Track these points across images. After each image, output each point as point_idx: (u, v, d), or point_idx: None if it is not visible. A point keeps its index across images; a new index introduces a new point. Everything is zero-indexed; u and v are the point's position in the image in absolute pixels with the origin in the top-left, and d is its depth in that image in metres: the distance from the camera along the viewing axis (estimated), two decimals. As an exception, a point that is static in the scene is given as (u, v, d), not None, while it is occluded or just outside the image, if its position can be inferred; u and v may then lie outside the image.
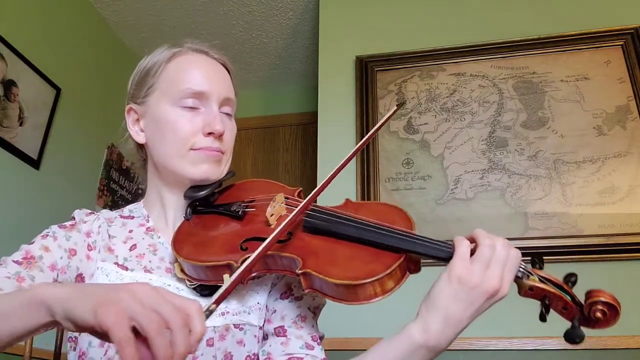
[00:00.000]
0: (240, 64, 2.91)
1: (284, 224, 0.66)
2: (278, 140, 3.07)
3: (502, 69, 1.91)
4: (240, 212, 0.80)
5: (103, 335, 0.44)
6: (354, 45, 2.10)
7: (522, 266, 0.65)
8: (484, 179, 1.77)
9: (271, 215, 0.75)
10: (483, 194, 1.75)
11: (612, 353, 1.48)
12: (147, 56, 0.87)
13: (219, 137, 0.80)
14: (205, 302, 0.73)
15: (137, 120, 0.85)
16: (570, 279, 0.65)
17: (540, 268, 0.67)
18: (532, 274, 0.65)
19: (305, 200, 0.73)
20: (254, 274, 0.72)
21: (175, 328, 0.43)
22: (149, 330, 0.42)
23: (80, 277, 0.76)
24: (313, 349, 0.75)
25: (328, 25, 2.21)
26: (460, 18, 2.05)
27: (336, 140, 1.97)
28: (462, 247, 0.63)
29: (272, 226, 0.75)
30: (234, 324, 0.74)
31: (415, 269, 0.67)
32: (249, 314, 0.77)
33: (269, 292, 0.81)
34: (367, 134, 1.90)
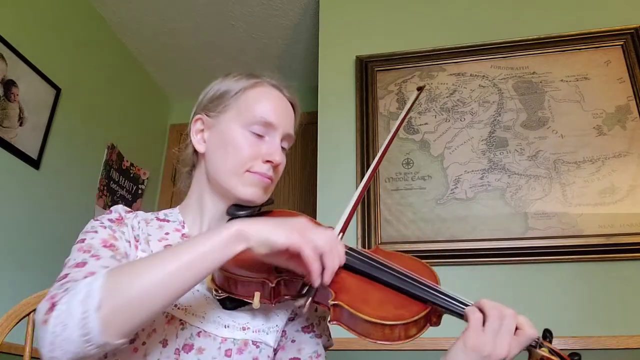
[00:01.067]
0: (240, 64, 2.91)
1: (369, 171, 0.88)
2: (278, 140, 3.07)
3: (502, 69, 1.92)
4: None
5: (291, 257, 0.67)
6: (354, 45, 2.10)
7: (536, 337, 0.69)
8: (484, 179, 1.78)
9: None
10: (483, 194, 1.75)
11: (612, 353, 1.48)
12: (224, 79, 0.94)
13: (275, 167, 0.88)
14: (229, 315, 0.80)
15: (202, 130, 0.91)
16: (574, 358, 0.69)
17: (550, 342, 0.71)
18: (543, 345, 0.69)
19: (372, 168, 0.91)
20: (286, 297, 0.76)
21: (332, 250, 0.69)
22: (325, 252, 0.67)
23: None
24: None
25: (328, 25, 2.21)
26: (460, 18, 2.05)
27: (336, 140, 1.97)
28: (475, 319, 0.68)
29: None
30: (252, 341, 0.78)
31: (437, 322, 0.72)
32: (267, 334, 0.81)
33: (292, 320, 0.85)
34: (367, 133, 1.90)
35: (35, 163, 2.03)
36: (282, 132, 0.89)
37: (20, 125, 1.95)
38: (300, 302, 0.71)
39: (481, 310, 0.69)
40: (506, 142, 1.81)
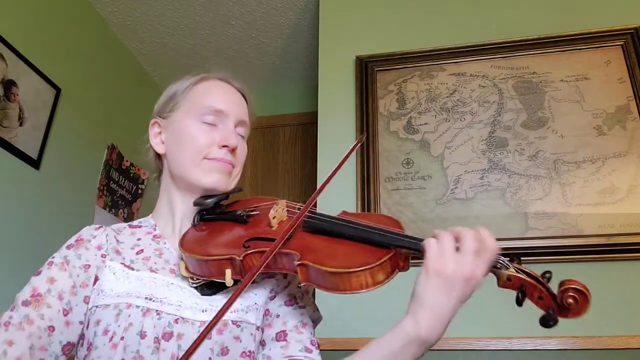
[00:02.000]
0: (240, 64, 2.91)
1: (295, 218, 0.75)
2: (278, 141, 3.07)
3: (502, 69, 1.91)
4: (244, 217, 0.87)
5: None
6: (354, 45, 2.10)
7: (501, 259, 0.71)
8: (484, 179, 1.77)
9: (273, 218, 0.82)
10: (483, 194, 1.75)
11: (612, 353, 1.48)
12: (174, 82, 0.98)
13: (232, 151, 0.89)
14: (206, 300, 0.79)
15: (159, 133, 0.95)
16: (546, 274, 0.70)
17: (519, 263, 0.72)
18: (509, 266, 0.70)
19: (307, 202, 0.81)
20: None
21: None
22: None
23: (96, 278, 0.81)
24: (311, 352, 0.80)
25: (328, 25, 2.21)
26: (460, 18, 2.05)
27: (336, 140, 1.97)
28: (432, 244, 0.70)
29: (274, 228, 0.82)
30: (232, 321, 0.79)
31: (404, 266, 0.74)
32: (246, 312, 0.81)
33: (272, 299, 0.86)
34: (367, 133, 1.90)
35: (35, 163, 2.03)
36: (234, 118, 0.92)
37: (20, 125, 1.95)
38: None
39: (436, 237, 0.71)
40: (506, 142, 1.81)
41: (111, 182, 2.56)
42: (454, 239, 0.70)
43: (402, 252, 0.73)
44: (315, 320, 0.89)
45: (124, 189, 2.68)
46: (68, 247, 0.84)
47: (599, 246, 1.59)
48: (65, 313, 0.76)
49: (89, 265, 0.81)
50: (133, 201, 2.77)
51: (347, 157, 0.91)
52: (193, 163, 0.87)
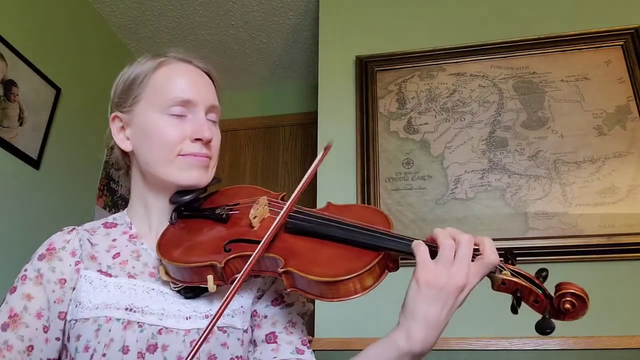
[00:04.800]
0: (240, 64, 2.91)
1: (273, 225, 0.70)
2: (278, 140, 3.07)
3: (502, 69, 1.91)
4: (224, 215, 0.81)
5: None
6: (354, 45, 2.10)
7: (497, 263, 0.67)
8: (484, 179, 1.77)
9: (254, 218, 0.77)
10: (483, 194, 1.75)
11: (612, 353, 1.48)
12: (130, 66, 0.88)
13: (207, 143, 0.82)
14: (189, 306, 0.77)
15: (122, 128, 0.86)
16: (542, 273, 0.67)
17: (513, 264, 0.69)
18: (504, 269, 0.67)
19: (287, 204, 0.75)
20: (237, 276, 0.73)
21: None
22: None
23: (72, 289, 0.77)
24: (303, 353, 0.77)
25: (328, 25, 2.21)
26: (460, 18, 2.05)
27: (336, 140, 1.97)
28: (421, 253, 0.66)
29: (255, 228, 0.77)
30: (217, 327, 0.75)
31: (394, 267, 0.70)
32: (232, 317, 0.78)
33: (259, 298, 0.83)
34: (367, 133, 1.90)
35: (35, 163, 2.03)
36: (204, 105, 0.83)
37: (20, 125, 1.95)
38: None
39: (432, 241, 0.67)
40: (506, 142, 1.81)
41: (111, 182, 2.56)
42: (452, 247, 0.65)
43: (391, 254, 0.69)
44: (305, 313, 0.85)
45: (124, 189, 2.68)
46: (40, 259, 0.79)
47: (599, 246, 1.59)
48: (45, 330, 0.74)
49: (65, 280, 0.77)
50: (133, 201, 2.76)
51: (316, 166, 0.83)
52: (166, 161, 0.80)
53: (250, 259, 0.67)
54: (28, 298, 0.74)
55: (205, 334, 0.59)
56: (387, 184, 1.84)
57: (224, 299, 0.64)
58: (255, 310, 0.81)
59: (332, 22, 2.21)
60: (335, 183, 1.89)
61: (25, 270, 0.78)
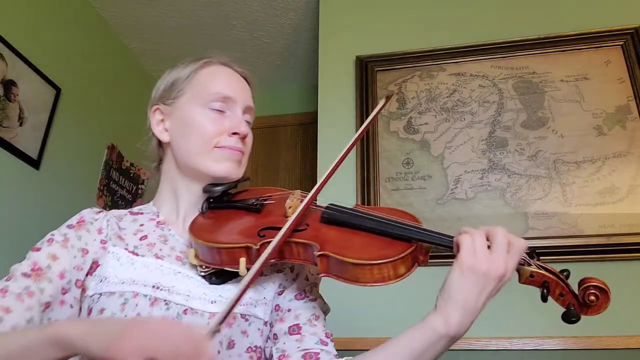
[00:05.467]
0: (241, 64, 2.90)
1: (300, 206, 0.74)
2: (278, 140, 3.07)
3: (502, 69, 1.91)
4: (258, 206, 0.84)
5: None
6: (354, 45, 2.10)
7: (523, 256, 0.71)
8: (484, 179, 1.78)
9: (289, 207, 0.80)
10: (483, 194, 1.75)
11: (612, 353, 1.48)
12: (174, 68, 0.94)
13: (242, 138, 0.88)
14: (215, 291, 0.77)
15: (162, 120, 0.91)
16: (563, 273, 0.70)
17: (538, 259, 0.72)
18: (532, 263, 0.70)
19: (314, 188, 0.79)
20: (271, 261, 0.74)
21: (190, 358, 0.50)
22: None
23: (95, 264, 0.79)
24: (327, 345, 0.79)
25: (328, 25, 2.21)
26: (460, 18, 2.05)
27: (336, 140, 1.97)
28: (467, 241, 0.70)
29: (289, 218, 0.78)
30: (240, 314, 0.77)
31: (424, 259, 0.73)
32: (255, 306, 0.79)
33: (280, 294, 0.84)
34: (366, 134, 1.90)
35: (35, 163, 2.03)
36: (242, 104, 0.90)
37: (20, 125, 1.95)
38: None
39: (469, 234, 0.71)
40: (506, 142, 1.81)
41: (111, 182, 2.56)
42: (489, 237, 0.70)
43: (423, 246, 0.72)
44: (326, 312, 0.87)
45: (124, 189, 2.68)
46: (69, 227, 0.81)
47: (599, 246, 1.59)
48: (64, 292, 0.75)
49: (87, 251, 0.79)
50: (133, 201, 2.76)
51: (371, 120, 0.88)
52: (203, 152, 0.85)
53: (284, 227, 0.68)
54: (53, 258, 0.76)
55: (240, 294, 0.59)
56: (387, 184, 1.84)
57: (261, 258, 0.65)
58: (277, 305, 0.83)
59: (332, 22, 2.21)
60: (335, 183, 1.88)
61: (52, 234, 0.80)
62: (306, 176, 2.91)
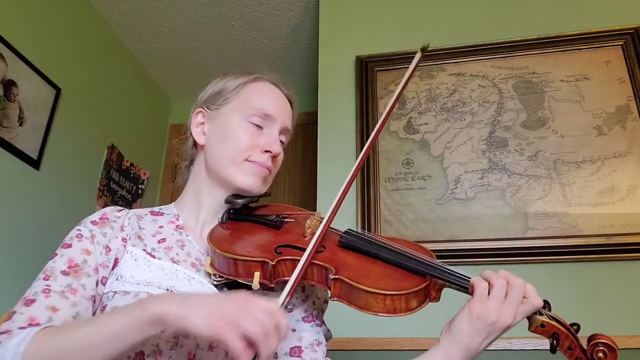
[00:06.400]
0: (240, 64, 2.90)
1: (322, 224, 0.75)
2: (278, 141, 3.06)
3: (502, 69, 1.91)
4: (277, 222, 0.85)
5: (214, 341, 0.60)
6: (354, 45, 2.10)
7: (541, 306, 0.71)
8: (484, 179, 1.77)
9: (309, 228, 0.81)
10: (483, 194, 1.75)
11: (612, 353, 1.48)
12: (226, 76, 0.97)
13: (273, 157, 0.90)
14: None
15: (202, 123, 0.94)
16: (573, 326, 0.70)
17: (550, 310, 0.72)
18: (543, 312, 0.70)
19: (332, 207, 0.79)
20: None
21: (270, 331, 0.56)
22: (257, 339, 0.55)
23: (116, 261, 0.79)
24: None
25: (328, 25, 2.21)
26: (460, 18, 2.05)
27: (336, 140, 1.97)
28: (481, 288, 0.70)
29: (307, 239, 0.79)
30: None
31: (436, 296, 0.73)
32: None
33: (291, 311, 0.85)
34: (367, 133, 1.90)
35: (35, 163, 2.03)
36: (280, 124, 0.92)
37: (20, 125, 1.95)
38: None
39: (487, 280, 0.71)
40: (506, 142, 1.81)
41: (111, 182, 2.56)
42: (506, 288, 0.70)
43: (438, 282, 0.72)
44: (328, 339, 0.89)
45: (124, 189, 2.68)
46: (93, 223, 0.82)
47: (599, 246, 1.59)
48: (97, 286, 0.76)
49: (110, 249, 0.79)
50: (133, 201, 2.76)
51: (408, 79, 0.89)
52: (233, 162, 0.87)
53: (308, 250, 0.70)
54: (87, 253, 0.77)
55: (305, 265, 0.65)
56: (387, 184, 1.84)
57: (295, 276, 0.68)
58: None
59: (332, 22, 2.21)
60: (335, 183, 1.88)
61: (79, 230, 0.81)
62: (306, 177, 2.91)
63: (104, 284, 0.77)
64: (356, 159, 1.91)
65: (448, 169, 1.82)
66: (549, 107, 1.82)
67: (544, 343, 1.50)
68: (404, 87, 0.88)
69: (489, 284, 0.70)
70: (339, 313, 1.68)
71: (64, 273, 0.74)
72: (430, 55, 1.98)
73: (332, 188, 1.89)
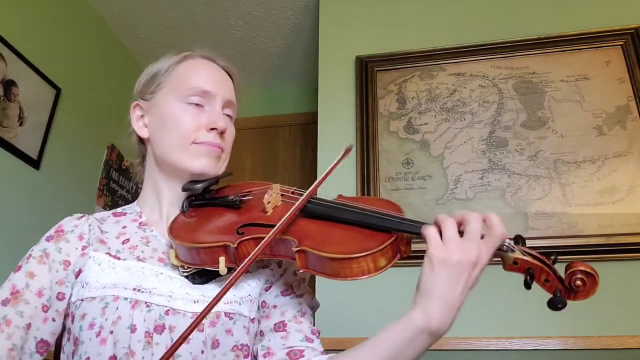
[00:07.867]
0: (240, 64, 2.90)
1: (292, 209, 0.71)
2: (278, 140, 3.07)
3: (502, 69, 1.91)
4: (237, 202, 0.83)
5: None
6: (354, 45, 2.10)
7: (507, 242, 0.68)
8: (484, 179, 1.77)
9: (268, 203, 0.78)
10: (483, 194, 1.75)
11: (612, 353, 1.48)
12: (156, 61, 0.93)
13: (221, 134, 0.85)
14: (197, 290, 0.77)
15: (142, 116, 0.90)
16: (550, 257, 0.68)
17: (523, 245, 0.70)
18: (515, 249, 0.68)
19: (307, 192, 0.77)
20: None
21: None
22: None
23: (79, 272, 0.78)
24: (313, 342, 0.78)
25: (328, 25, 2.21)
26: (460, 18, 2.05)
27: (336, 140, 1.97)
28: (430, 232, 0.66)
29: (268, 214, 0.78)
30: (225, 312, 0.76)
31: (406, 250, 0.71)
32: (240, 304, 0.79)
33: (267, 290, 0.84)
34: (367, 133, 1.90)
35: (35, 163, 2.03)
36: (221, 98, 0.87)
37: (20, 125, 1.95)
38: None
39: (437, 224, 0.68)
40: (506, 142, 1.81)
41: (111, 182, 2.56)
42: (456, 224, 0.66)
43: (404, 236, 0.70)
44: (313, 307, 0.86)
45: (124, 189, 2.68)
46: (47, 239, 0.81)
47: (599, 246, 1.59)
48: (45, 309, 0.74)
49: (69, 262, 0.78)
50: (133, 201, 2.76)
51: (332, 168, 0.85)
52: (180, 147, 0.83)
53: (266, 237, 0.67)
54: (31, 276, 0.75)
55: (214, 303, 0.59)
56: (387, 184, 1.84)
57: (240, 267, 0.64)
58: (264, 301, 0.82)
59: (332, 22, 2.21)
60: (335, 183, 1.89)
61: (32, 250, 0.80)
62: (305, 176, 2.91)
63: (60, 300, 0.75)
64: (356, 159, 1.92)
65: (448, 169, 1.82)
66: (549, 107, 1.82)
67: (544, 343, 1.51)
68: (327, 174, 0.84)
69: (438, 227, 0.67)
70: (339, 313, 1.69)
71: (4, 303, 0.72)
72: (431, 55, 1.98)
73: (331, 187, 1.89)
